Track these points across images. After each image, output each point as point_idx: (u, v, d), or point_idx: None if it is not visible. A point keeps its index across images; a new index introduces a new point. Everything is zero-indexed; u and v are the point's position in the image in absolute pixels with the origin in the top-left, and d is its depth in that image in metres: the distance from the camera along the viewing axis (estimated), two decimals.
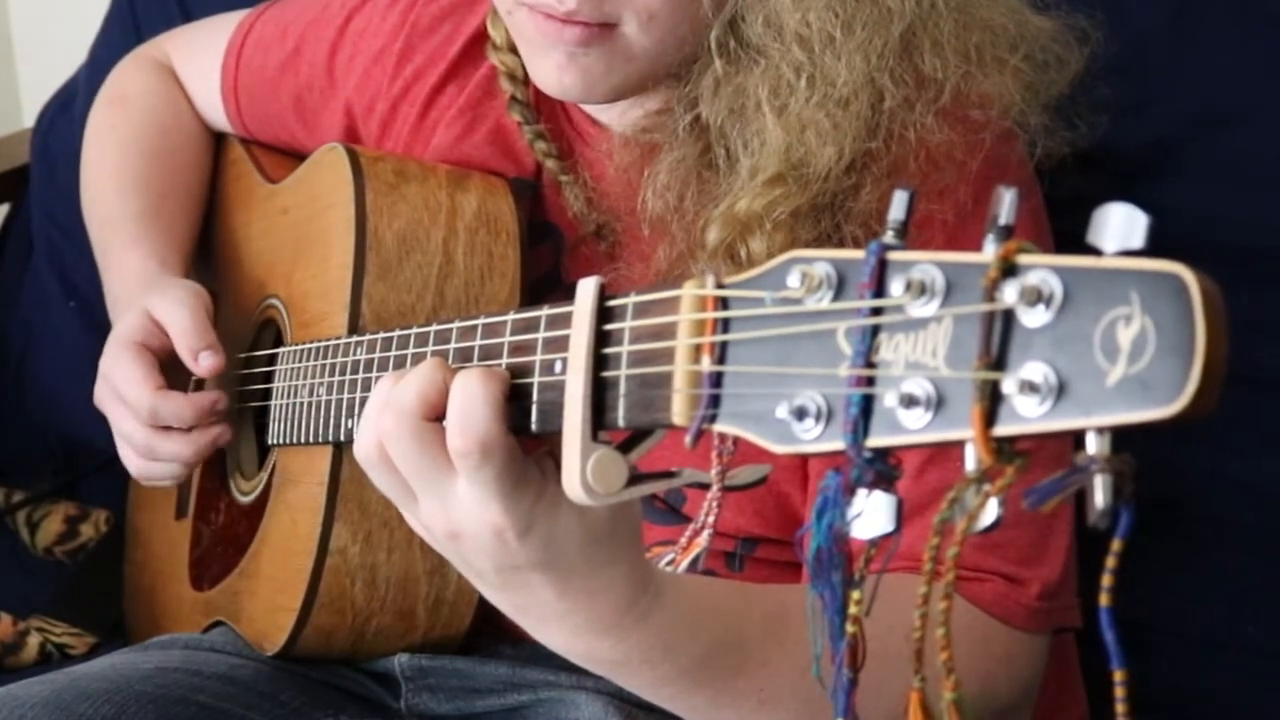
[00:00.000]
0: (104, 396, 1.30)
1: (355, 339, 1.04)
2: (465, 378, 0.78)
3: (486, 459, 0.77)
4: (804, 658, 0.92)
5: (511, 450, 0.78)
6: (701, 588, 0.93)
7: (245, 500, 1.31)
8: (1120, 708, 0.56)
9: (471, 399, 0.77)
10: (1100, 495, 0.54)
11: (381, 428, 0.81)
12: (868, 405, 0.60)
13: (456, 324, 0.88)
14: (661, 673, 0.88)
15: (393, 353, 0.96)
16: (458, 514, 0.80)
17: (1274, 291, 1.32)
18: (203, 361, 1.25)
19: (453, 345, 0.87)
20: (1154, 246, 0.54)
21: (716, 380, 0.67)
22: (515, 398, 0.81)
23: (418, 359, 0.92)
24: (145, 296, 1.31)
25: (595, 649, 0.86)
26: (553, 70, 1.08)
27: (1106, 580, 0.55)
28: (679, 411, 0.68)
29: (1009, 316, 0.56)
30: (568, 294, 0.76)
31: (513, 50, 1.23)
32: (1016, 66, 1.07)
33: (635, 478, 0.75)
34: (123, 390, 1.27)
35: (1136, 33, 1.30)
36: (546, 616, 0.84)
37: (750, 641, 0.92)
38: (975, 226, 1.05)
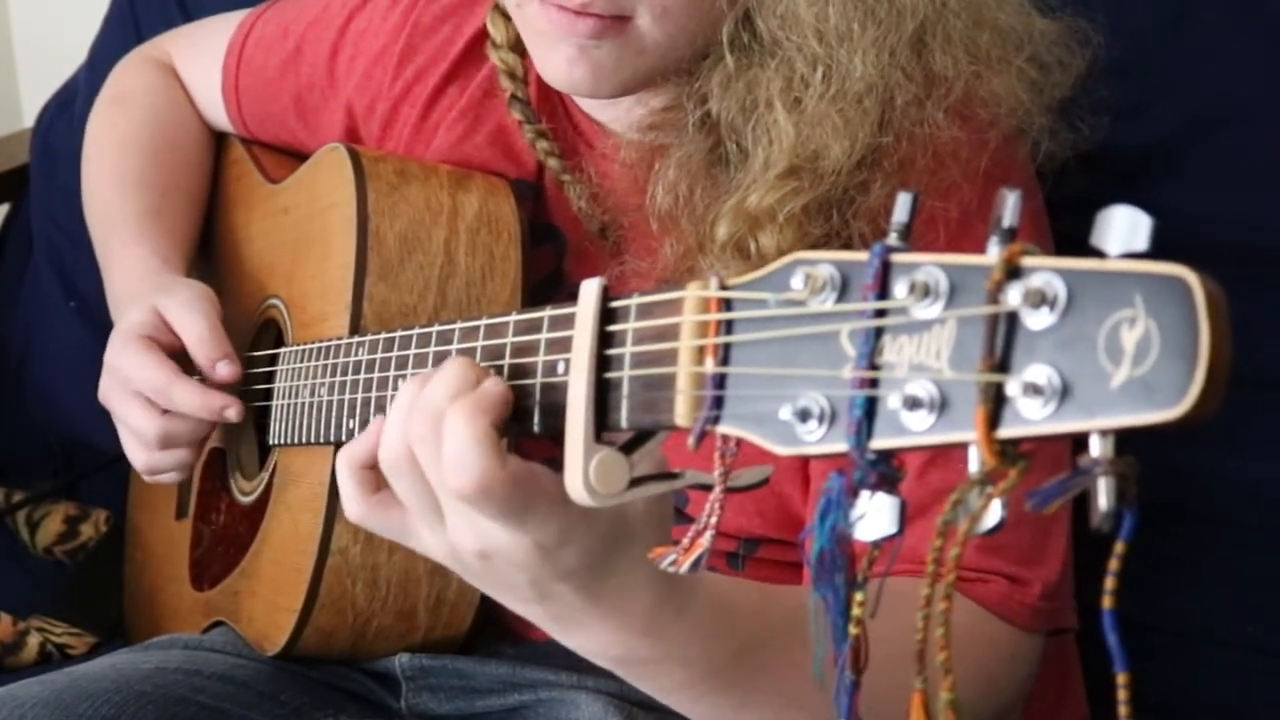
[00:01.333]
0: (110, 390, 1.29)
1: (356, 339, 1.04)
2: (452, 419, 0.75)
3: (488, 498, 0.74)
4: (825, 660, 0.92)
5: (516, 477, 0.75)
6: (730, 585, 0.92)
7: (246, 500, 1.31)
8: (1123, 710, 0.56)
9: (460, 443, 0.74)
10: (1104, 498, 0.54)
11: (410, 431, 0.78)
12: (871, 407, 0.60)
13: (459, 325, 0.88)
14: (695, 671, 0.86)
15: (394, 353, 0.96)
16: (485, 529, 0.78)
17: (1274, 292, 1.32)
18: (220, 370, 1.24)
19: (455, 346, 0.87)
20: (1154, 247, 0.54)
21: (720, 382, 0.67)
22: (516, 399, 0.81)
23: (419, 359, 0.92)
24: (152, 295, 1.30)
25: (634, 648, 0.83)
26: (562, 63, 1.08)
27: (1110, 583, 0.55)
28: (682, 413, 0.68)
29: (1013, 319, 0.56)
30: (571, 296, 0.76)
31: (512, 48, 1.23)
32: (1021, 67, 1.07)
33: (637, 479, 0.75)
34: (136, 376, 1.26)
35: (1137, 34, 1.30)
36: (583, 621, 0.82)
37: (777, 640, 0.90)
38: (978, 226, 1.06)
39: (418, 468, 0.78)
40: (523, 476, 0.75)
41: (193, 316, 1.26)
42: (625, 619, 0.81)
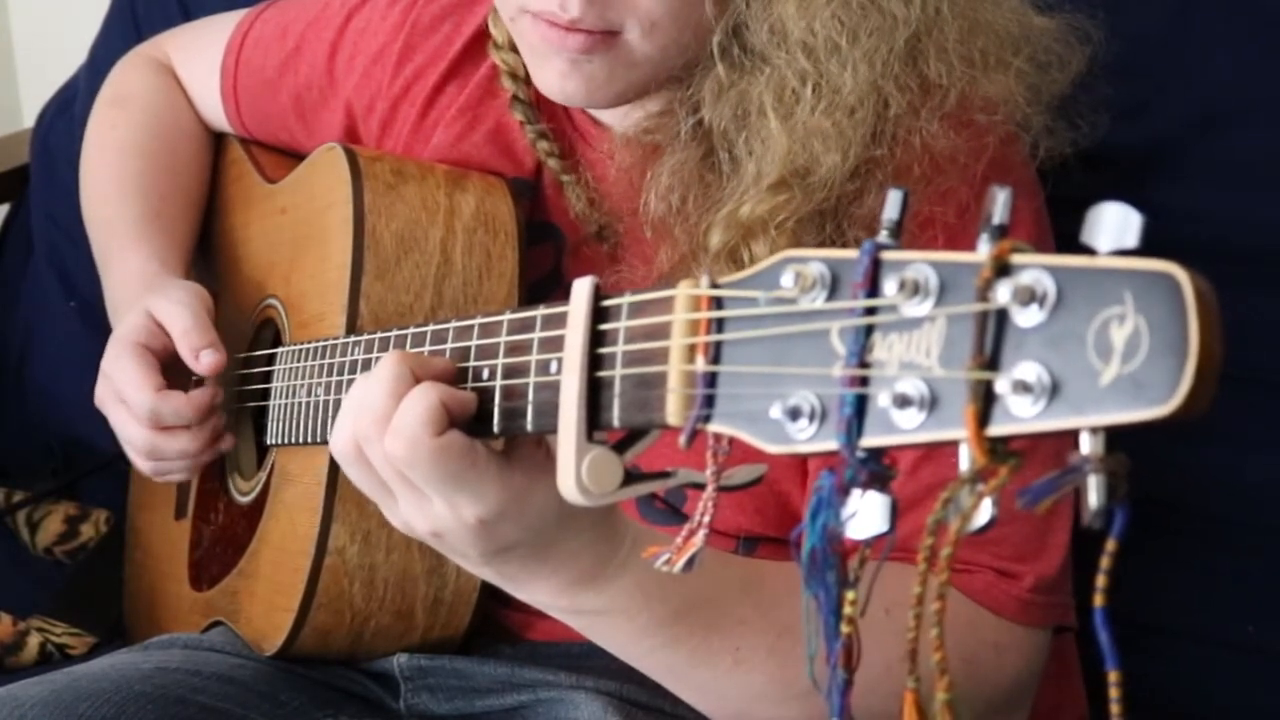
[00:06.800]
0: (105, 397, 1.30)
1: (353, 339, 1.04)
2: (408, 396, 0.83)
3: (416, 461, 0.82)
4: (779, 621, 0.96)
5: (448, 446, 0.82)
6: None
7: (244, 500, 1.31)
8: (1115, 708, 0.56)
9: (404, 412, 0.82)
10: (1094, 495, 0.54)
11: (359, 430, 0.85)
12: (861, 405, 0.60)
13: (453, 324, 0.88)
14: (640, 623, 0.92)
15: None
16: (434, 513, 0.85)
17: (1274, 291, 1.32)
18: (203, 359, 1.25)
19: (449, 345, 0.88)
20: (1154, 246, 0.54)
21: (711, 380, 0.67)
22: (511, 398, 0.81)
23: None
24: (146, 297, 1.31)
25: (578, 601, 0.91)
26: (555, 77, 1.09)
27: (1101, 581, 0.55)
28: (674, 411, 0.69)
29: (1002, 316, 0.56)
30: (568, 294, 0.76)
31: (514, 49, 1.23)
32: (1020, 68, 1.07)
33: (631, 477, 0.75)
34: (124, 391, 1.27)
35: (1137, 33, 1.30)
36: (531, 580, 0.90)
37: (726, 599, 0.96)
38: (975, 228, 1.05)
39: (363, 458, 0.86)
40: (456, 449, 0.82)
41: (179, 310, 1.26)
42: (570, 576, 0.89)
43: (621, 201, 1.19)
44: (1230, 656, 1.35)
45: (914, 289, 0.58)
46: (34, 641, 1.47)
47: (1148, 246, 0.54)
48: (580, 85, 1.09)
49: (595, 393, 0.74)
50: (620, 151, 1.16)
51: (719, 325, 0.67)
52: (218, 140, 1.53)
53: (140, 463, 1.30)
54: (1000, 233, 0.57)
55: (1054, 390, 0.54)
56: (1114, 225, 0.54)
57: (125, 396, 1.27)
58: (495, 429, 0.83)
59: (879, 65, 1.02)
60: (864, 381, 0.60)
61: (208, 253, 1.48)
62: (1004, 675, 1.06)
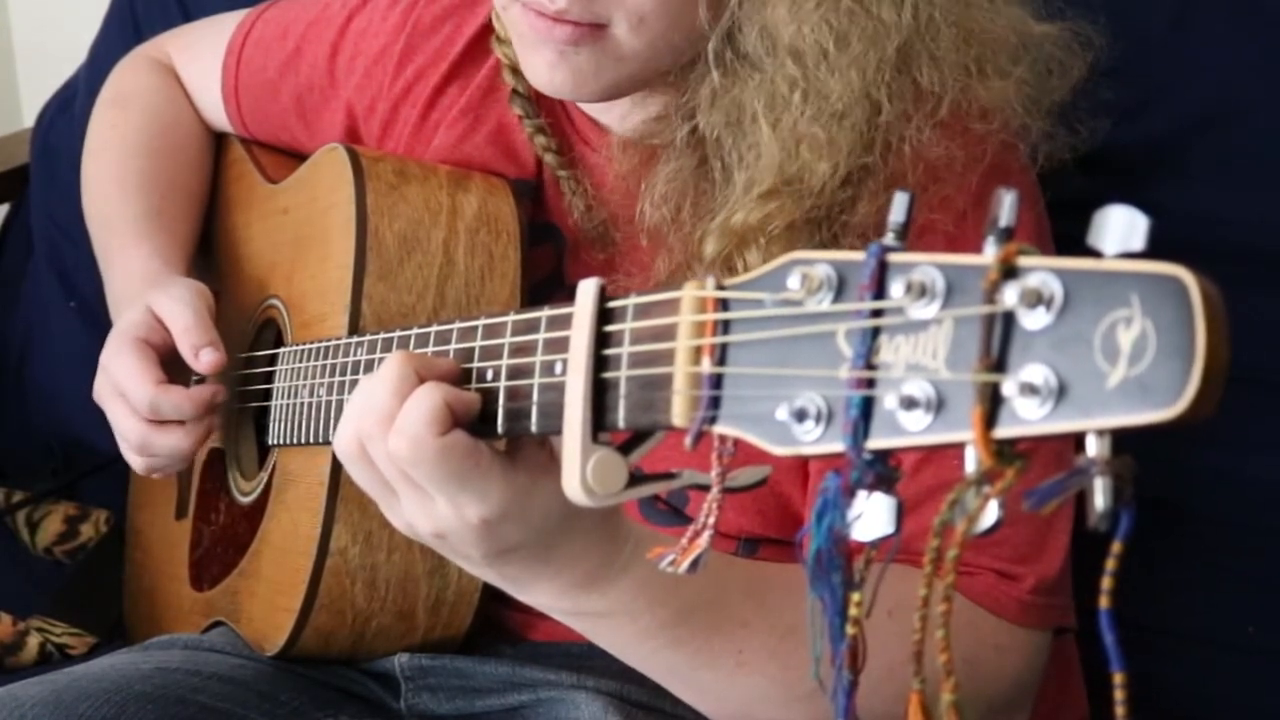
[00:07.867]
0: (103, 391, 1.30)
1: (355, 339, 1.04)
2: (412, 396, 0.83)
3: (420, 460, 0.82)
4: (782, 623, 0.96)
5: (452, 446, 0.82)
6: None
7: (245, 500, 1.31)
8: (1120, 710, 0.56)
9: (407, 412, 0.82)
10: (1100, 497, 0.54)
11: (362, 429, 0.85)
12: (868, 407, 0.60)
13: (457, 324, 0.88)
14: (643, 625, 0.93)
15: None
16: (437, 513, 0.85)
17: (1275, 292, 1.32)
18: (203, 358, 1.25)
19: (453, 346, 0.88)
20: (1155, 247, 0.54)
21: (716, 382, 0.67)
22: (515, 400, 0.82)
23: None
24: (147, 293, 1.31)
25: (581, 603, 0.91)
26: (543, 67, 1.09)
27: (1106, 583, 0.55)
28: (679, 413, 0.69)
29: (1009, 318, 0.56)
30: (570, 296, 0.76)
31: None
32: (1020, 77, 1.07)
33: (635, 479, 0.75)
34: (123, 384, 1.26)
35: (1137, 35, 1.30)
36: (533, 582, 0.90)
37: (729, 600, 0.96)
38: (976, 234, 1.05)
39: (367, 457, 0.86)
40: (460, 449, 0.82)
41: (180, 308, 1.27)
42: (572, 578, 0.89)
43: (619, 207, 1.19)
44: (1231, 658, 1.35)
45: (921, 291, 0.58)
46: (34, 641, 1.47)
47: (1147, 247, 0.54)
48: (568, 77, 1.09)
49: (600, 394, 0.74)
50: (619, 157, 1.16)
51: (725, 327, 0.67)
52: (219, 140, 1.53)
53: (133, 458, 1.30)
54: (1006, 235, 0.57)
55: (1061, 392, 0.54)
56: (1120, 228, 0.54)
57: (124, 390, 1.26)
58: (499, 430, 0.83)
59: (869, 72, 1.02)
60: (870, 383, 0.60)
61: (209, 253, 1.48)
62: (1005, 676, 1.06)
